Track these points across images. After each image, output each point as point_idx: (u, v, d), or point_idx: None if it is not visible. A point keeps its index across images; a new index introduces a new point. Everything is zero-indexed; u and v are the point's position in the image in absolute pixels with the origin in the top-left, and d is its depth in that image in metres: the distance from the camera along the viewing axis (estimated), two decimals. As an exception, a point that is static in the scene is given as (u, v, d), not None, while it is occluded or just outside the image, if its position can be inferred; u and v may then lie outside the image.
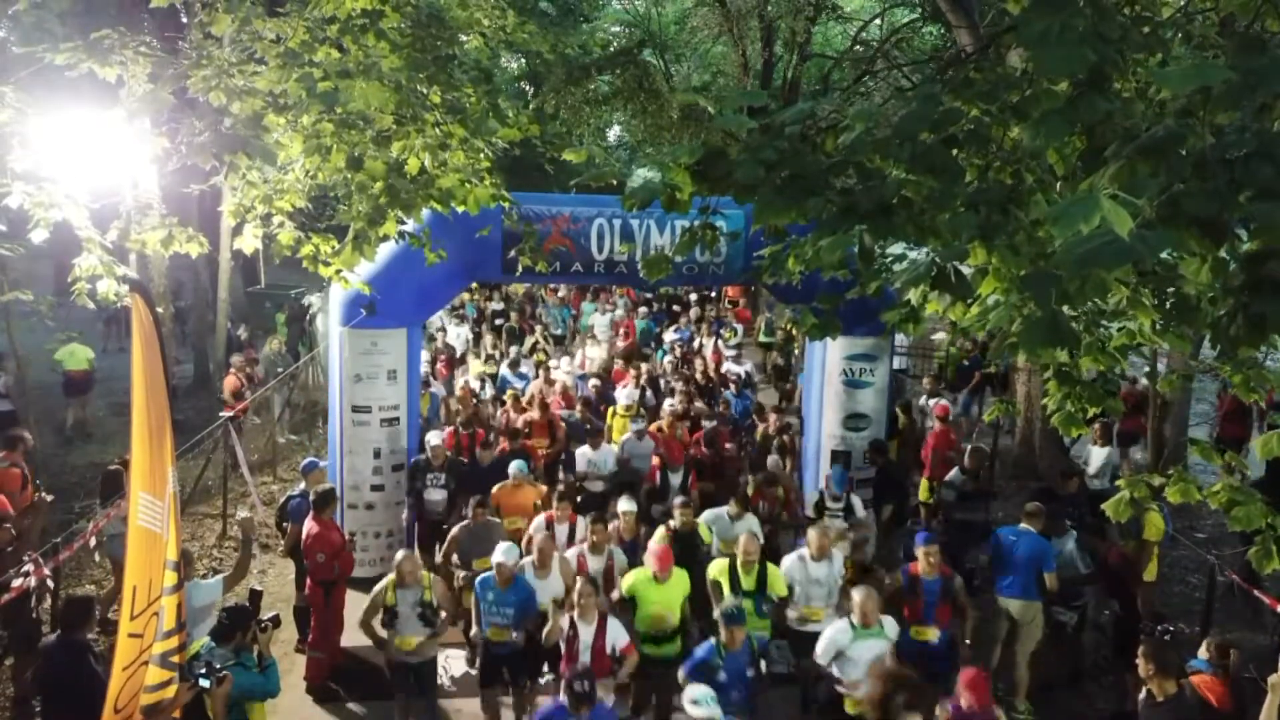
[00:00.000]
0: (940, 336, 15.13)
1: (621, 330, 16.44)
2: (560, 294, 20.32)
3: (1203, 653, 5.48)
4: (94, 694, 4.71)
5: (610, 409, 10.52)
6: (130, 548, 4.23)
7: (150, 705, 4.40)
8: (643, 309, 18.95)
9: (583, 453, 9.02)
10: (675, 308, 19.89)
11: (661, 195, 3.20)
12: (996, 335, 3.99)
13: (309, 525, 6.96)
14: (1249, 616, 8.18)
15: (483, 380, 12.11)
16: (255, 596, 5.61)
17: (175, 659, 4.51)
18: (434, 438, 8.39)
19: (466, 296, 18.28)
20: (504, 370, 12.62)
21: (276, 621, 5.35)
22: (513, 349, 13.96)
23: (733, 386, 11.88)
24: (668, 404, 10.14)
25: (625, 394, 10.67)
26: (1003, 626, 7.05)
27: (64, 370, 12.61)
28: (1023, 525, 7.01)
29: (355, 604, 7.26)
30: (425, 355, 12.05)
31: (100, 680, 4.82)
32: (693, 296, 20.64)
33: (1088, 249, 2.00)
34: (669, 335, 16.08)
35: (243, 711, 5.00)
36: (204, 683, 4.66)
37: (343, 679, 7.06)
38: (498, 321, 17.29)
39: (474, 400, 10.95)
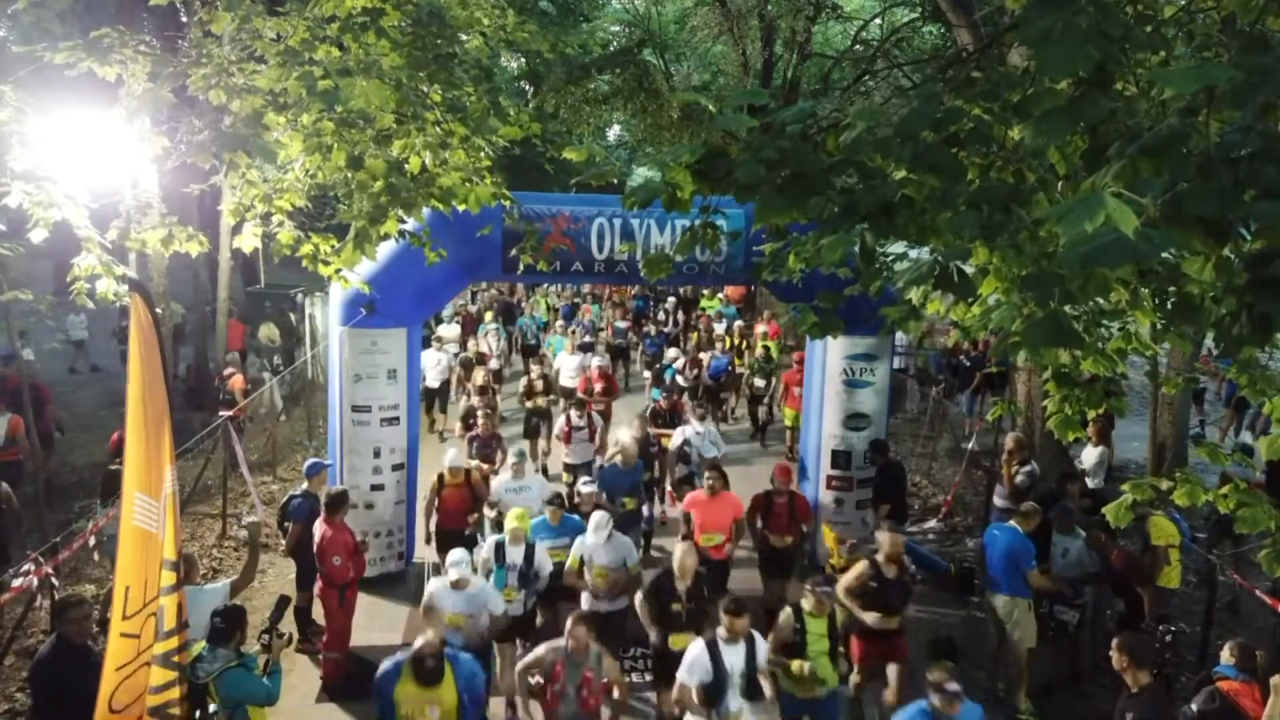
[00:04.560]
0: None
1: (592, 377, 11.85)
2: (538, 304, 19.61)
3: (1226, 657, 5.30)
4: (88, 696, 4.70)
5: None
6: (122, 548, 4.22)
7: (157, 706, 4.39)
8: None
9: None
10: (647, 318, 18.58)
11: (662, 195, 3.18)
12: (998, 335, 3.97)
13: (322, 528, 6.84)
14: (1250, 617, 8.17)
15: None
16: (283, 603, 5.59)
17: (177, 659, 4.50)
18: None
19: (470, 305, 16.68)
20: (501, 481, 7.92)
21: (291, 639, 5.36)
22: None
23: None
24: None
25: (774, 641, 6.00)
26: (992, 624, 7.14)
27: None
28: (1011, 523, 7.05)
29: (360, 605, 7.26)
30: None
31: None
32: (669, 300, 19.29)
33: (1092, 247, 1.99)
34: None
35: (245, 713, 4.99)
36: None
37: (346, 680, 7.03)
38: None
39: None
